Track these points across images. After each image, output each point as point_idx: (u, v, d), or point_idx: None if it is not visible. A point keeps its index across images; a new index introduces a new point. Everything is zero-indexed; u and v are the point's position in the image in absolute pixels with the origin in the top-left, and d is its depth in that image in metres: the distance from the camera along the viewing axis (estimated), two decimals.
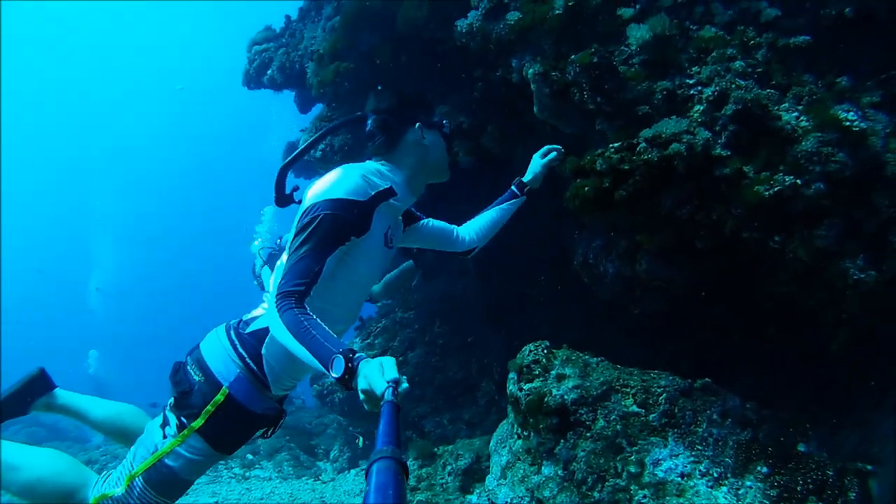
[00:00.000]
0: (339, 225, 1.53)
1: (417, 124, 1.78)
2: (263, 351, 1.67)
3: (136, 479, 1.65)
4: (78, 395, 2.10)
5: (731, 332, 2.98)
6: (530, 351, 2.88)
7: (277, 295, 1.44)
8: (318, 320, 1.40)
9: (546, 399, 2.62)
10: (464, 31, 3.13)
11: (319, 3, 4.63)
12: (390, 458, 0.86)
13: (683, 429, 2.52)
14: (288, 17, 5.24)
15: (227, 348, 1.70)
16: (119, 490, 1.65)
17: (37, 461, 1.77)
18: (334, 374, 1.26)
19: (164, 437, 1.67)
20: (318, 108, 5.12)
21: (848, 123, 2.44)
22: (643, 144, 2.38)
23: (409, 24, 3.39)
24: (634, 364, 3.69)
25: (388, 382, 1.14)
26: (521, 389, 2.76)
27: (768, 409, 2.90)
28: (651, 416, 2.55)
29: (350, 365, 1.24)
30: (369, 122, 1.79)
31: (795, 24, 2.84)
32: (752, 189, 2.37)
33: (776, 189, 2.34)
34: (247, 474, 6.01)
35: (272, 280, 1.66)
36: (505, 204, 2.32)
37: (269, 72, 4.82)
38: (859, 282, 2.37)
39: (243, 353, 1.68)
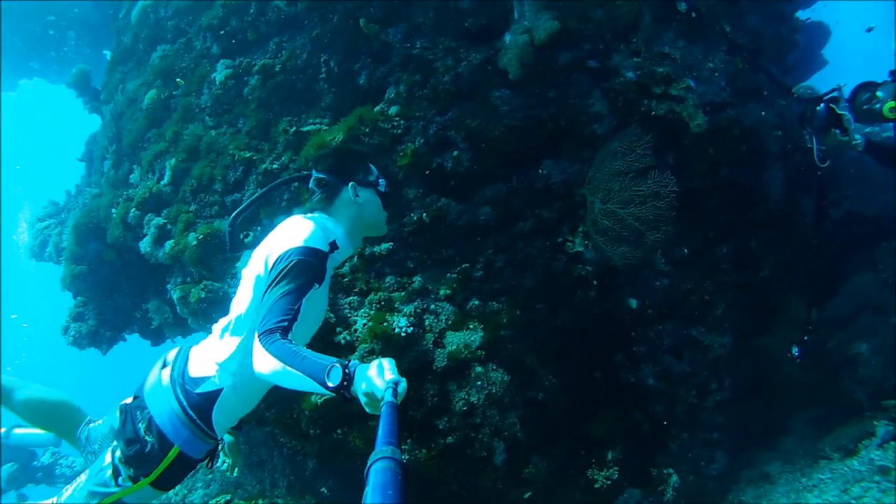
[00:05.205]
0: (311, 270, 1.62)
1: (351, 184, 1.91)
2: (214, 413, 1.77)
3: None
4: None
5: None
6: None
7: (260, 335, 1.45)
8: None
9: None
10: (142, 252, 3.82)
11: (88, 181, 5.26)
12: (390, 458, 0.87)
13: None
14: (68, 192, 5.72)
15: (175, 410, 1.75)
16: None
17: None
18: (331, 384, 1.28)
19: (117, 484, 1.80)
20: None
21: (398, 330, 3.17)
22: None
23: (114, 240, 4.06)
24: None
25: (388, 383, 1.19)
26: None
27: None
28: None
29: (347, 371, 1.28)
30: (311, 179, 1.97)
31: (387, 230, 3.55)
32: None
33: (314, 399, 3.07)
34: None
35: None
36: None
37: (47, 249, 5.35)
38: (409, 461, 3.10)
39: (193, 415, 1.75)
